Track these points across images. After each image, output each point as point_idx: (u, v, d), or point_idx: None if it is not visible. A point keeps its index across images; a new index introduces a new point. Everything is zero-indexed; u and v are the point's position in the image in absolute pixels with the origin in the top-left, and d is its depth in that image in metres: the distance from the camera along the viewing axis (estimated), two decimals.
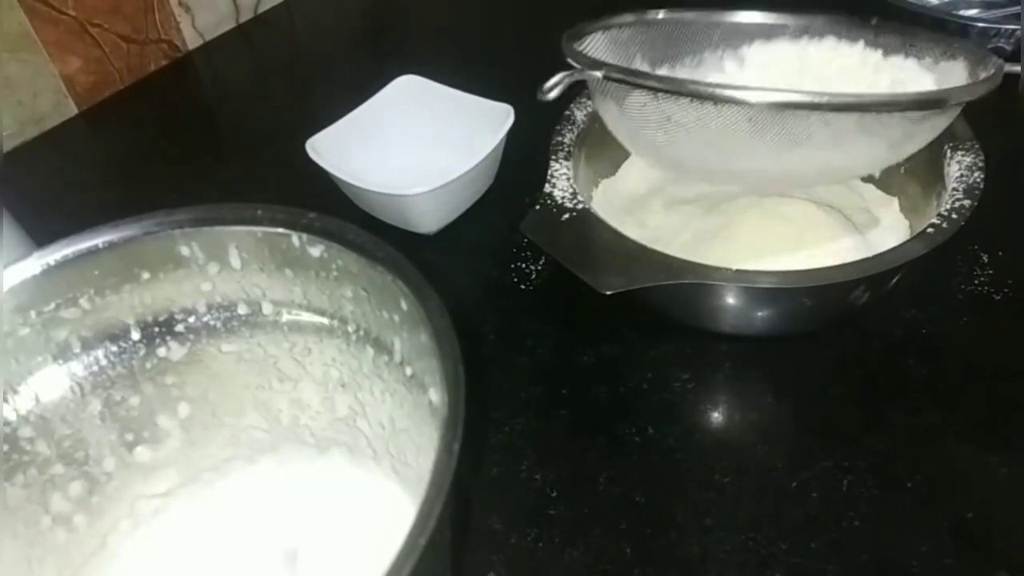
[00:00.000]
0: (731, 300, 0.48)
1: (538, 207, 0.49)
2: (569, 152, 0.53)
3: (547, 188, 0.50)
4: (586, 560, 0.43)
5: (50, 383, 0.38)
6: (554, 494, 0.46)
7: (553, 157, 0.52)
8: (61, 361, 0.38)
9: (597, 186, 0.57)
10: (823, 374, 0.50)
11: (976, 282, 0.54)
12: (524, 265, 0.58)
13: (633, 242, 0.46)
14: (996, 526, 0.43)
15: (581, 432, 0.49)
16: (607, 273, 0.44)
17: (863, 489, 0.45)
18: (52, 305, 0.37)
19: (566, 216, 0.48)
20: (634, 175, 0.59)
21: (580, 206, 0.49)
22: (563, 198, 0.49)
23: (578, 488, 0.46)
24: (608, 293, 0.43)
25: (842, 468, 0.45)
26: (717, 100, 0.42)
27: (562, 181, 0.51)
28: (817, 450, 0.46)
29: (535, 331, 0.55)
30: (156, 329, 0.39)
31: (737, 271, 0.44)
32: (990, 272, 0.54)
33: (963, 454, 0.45)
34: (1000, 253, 0.55)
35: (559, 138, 0.54)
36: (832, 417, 0.48)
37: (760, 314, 0.49)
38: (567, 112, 0.55)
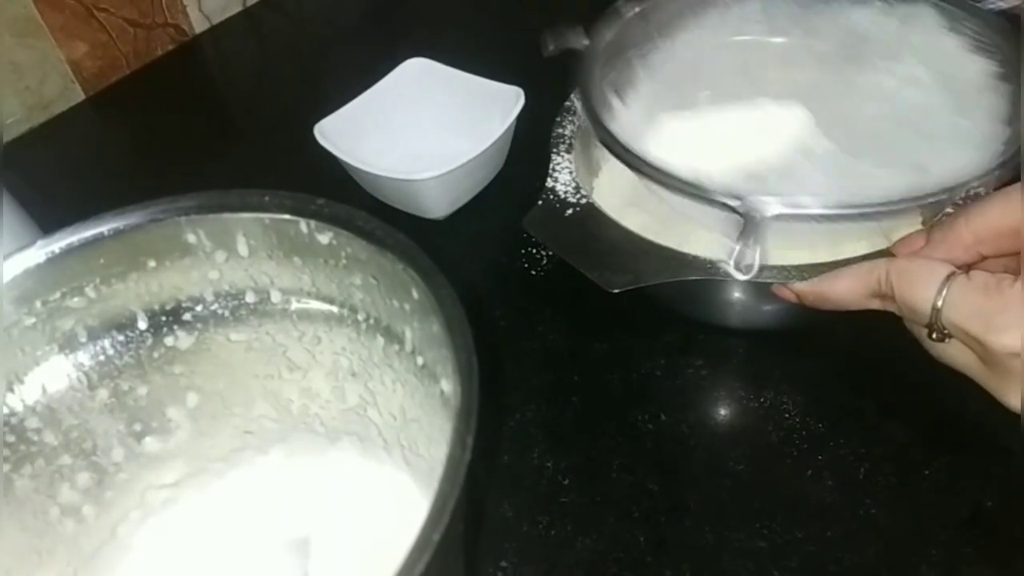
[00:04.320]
0: (740, 295, 0.47)
1: (540, 202, 0.48)
2: (571, 144, 0.52)
3: (549, 183, 0.49)
4: (599, 548, 0.43)
5: (56, 373, 0.37)
6: (566, 482, 0.46)
7: (554, 150, 0.51)
8: (67, 351, 0.37)
9: (600, 172, 0.56)
10: (839, 360, 0.50)
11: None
12: (534, 250, 0.58)
13: (639, 237, 0.45)
14: (1016, 514, 0.42)
15: (593, 419, 0.49)
16: (613, 270, 0.44)
17: (880, 476, 0.44)
18: (57, 294, 0.36)
19: (569, 212, 0.47)
20: None
21: (583, 200, 0.48)
22: (566, 192, 0.49)
23: (590, 476, 0.46)
24: (616, 291, 0.43)
25: (858, 455, 0.45)
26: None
27: (564, 175, 0.50)
28: (833, 437, 0.46)
29: (546, 317, 0.54)
30: (163, 318, 0.39)
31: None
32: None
33: (982, 441, 0.45)
34: None
35: (559, 130, 0.53)
36: (848, 404, 0.48)
37: (769, 308, 0.48)
38: (567, 103, 0.54)
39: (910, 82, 0.51)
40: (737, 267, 0.41)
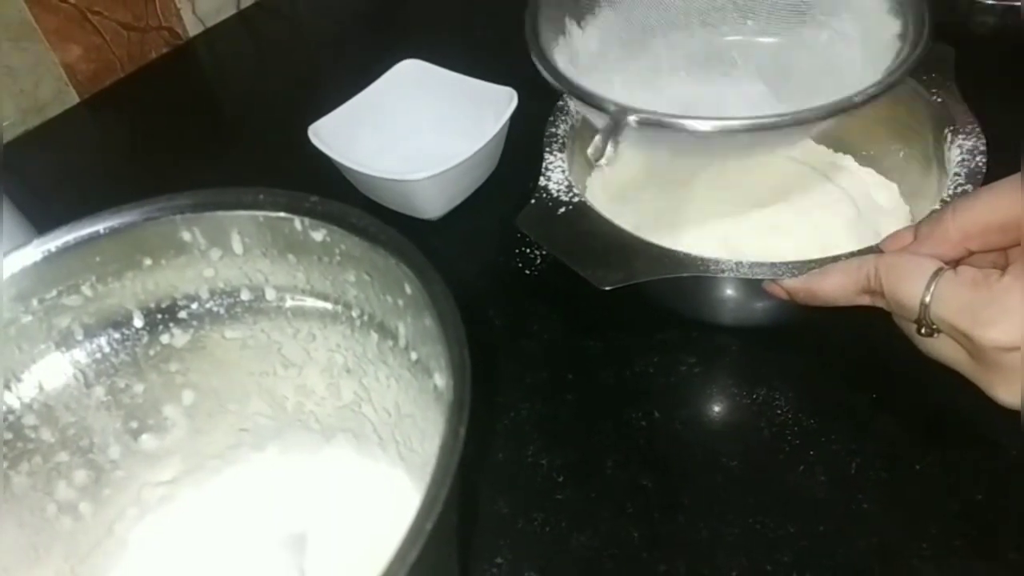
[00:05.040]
0: (732, 292, 0.48)
1: (533, 201, 0.49)
2: (564, 143, 0.52)
3: (542, 181, 0.50)
4: (593, 544, 0.43)
5: (53, 371, 0.38)
6: (561, 479, 0.46)
7: (547, 149, 0.52)
8: (64, 349, 0.38)
9: (592, 172, 0.57)
10: (830, 357, 0.50)
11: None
12: (529, 250, 0.58)
13: (630, 235, 0.46)
14: (1007, 508, 0.42)
15: (587, 417, 0.49)
16: (605, 268, 0.44)
17: (872, 472, 0.44)
18: (54, 292, 0.36)
19: (562, 210, 0.48)
20: (627, 157, 0.58)
21: (576, 199, 0.48)
22: (558, 191, 0.49)
23: (585, 473, 0.46)
24: (608, 288, 0.43)
25: (850, 451, 0.45)
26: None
27: (557, 173, 0.50)
28: (825, 433, 0.46)
29: (541, 316, 0.55)
30: (159, 316, 0.39)
31: (737, 263, 0.44)
32: None
33: (972, 435, 0.45)
34: None
35: (553, 129, 0.53)
36: (840, 400, 0.48)
37: (761, 305, 0.49)
38: (560, 103, 0.54)
39: (841, 37, 0.52)
40: (594, 154, 0.43)
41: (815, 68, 0.52)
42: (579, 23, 0.53)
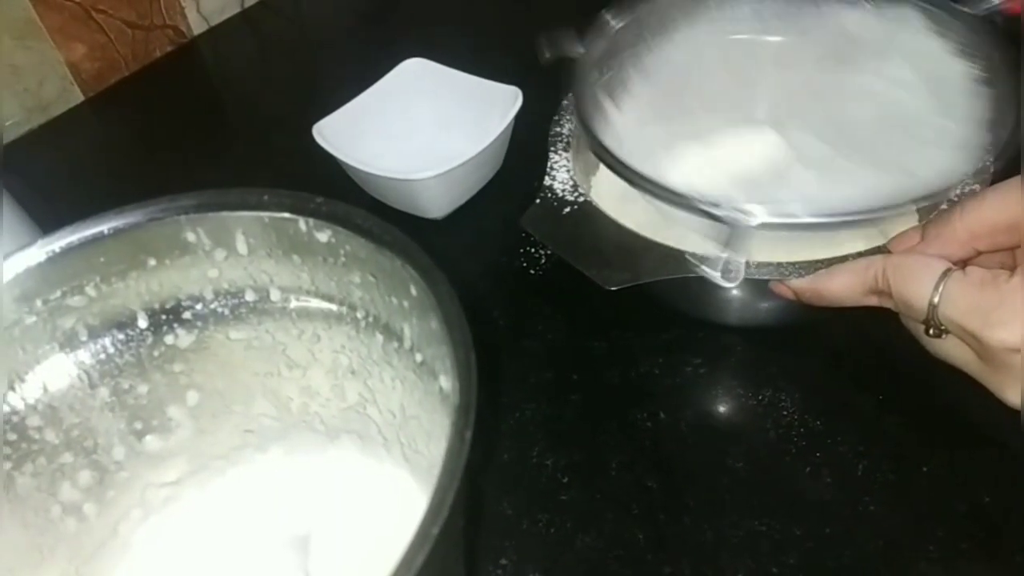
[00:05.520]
0: (738, 292, 0.47)
1: (538, 200, 0.48)
2: (568, 143, 0.52)
3: (547, 180, 0.49)
4: (598, 546, 0.43)
5: (57, 372, 0.38)
6: (565, 480, 0.46)
7: (552, 149, 0.52)
8: (68, 350, 0.38)
9: (598, 170, 0.56)
10: (837, 357, 0.50)
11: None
12: (533, 249, 0.58)
13: (636, 235, 0.46)
14: (1014, 509, 0.42)
15: (592, 417, 0.49)
16: (610, 268, 0.44)
17: (878, 473, 0.44)
18: (58, 293, 0.36)
19: (567, 210, 0.48)
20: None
21: (581, 199, 0.48)
22: (563, 191, 0.49)
23: (590, 473, 0.46)
24: (613, 289, 0.43)
25: (857, 452, 0.45)
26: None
27: (562, 173, 0.50)
28: (831, 434, 0.46)
29: (545, 316, 0.54)
30: (163, 316, 0.39)
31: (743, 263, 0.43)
32: None
33: (980, 437, 0.45)
34: None
35: (557, 128, 0.53)
36: (847, 401, 0.48)
37: (767, 305, 0.49)
38: (565, 102, 0.54)
39: (897, 84, 0.51)
40: (723, 275, 0.42)
41: (872, 118, 0.51)
42: (616, 102, 0.52)
